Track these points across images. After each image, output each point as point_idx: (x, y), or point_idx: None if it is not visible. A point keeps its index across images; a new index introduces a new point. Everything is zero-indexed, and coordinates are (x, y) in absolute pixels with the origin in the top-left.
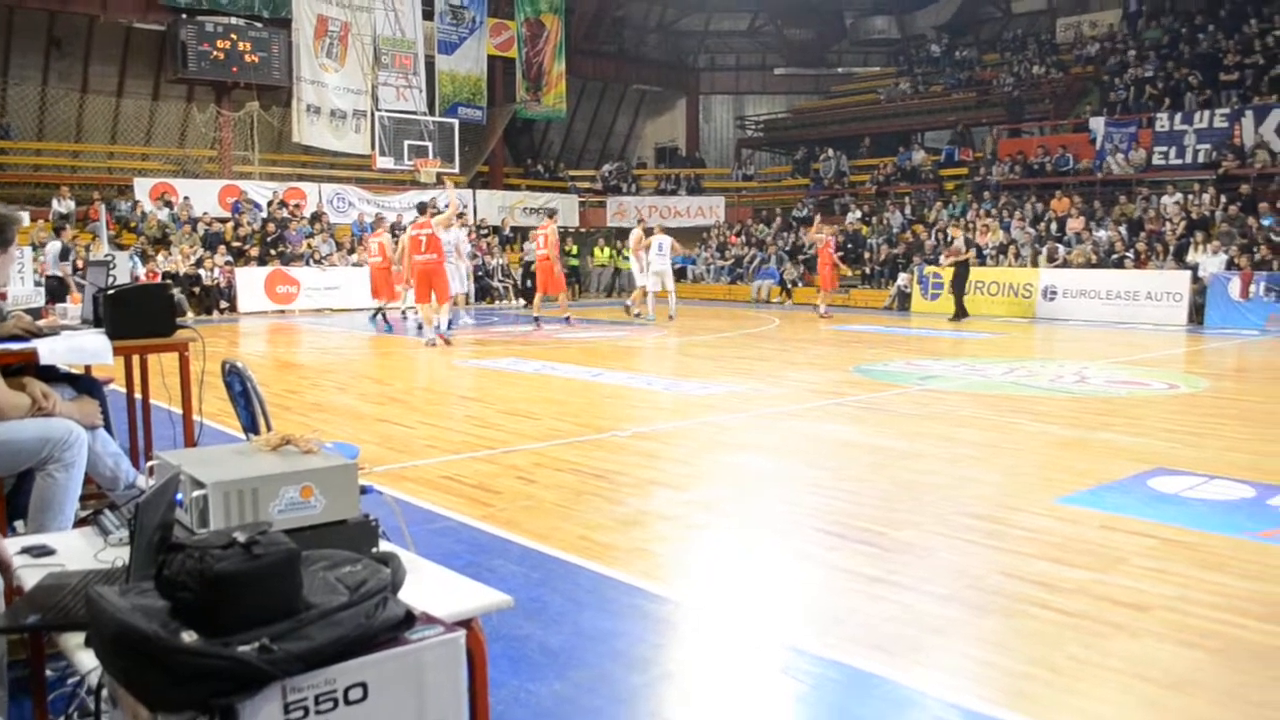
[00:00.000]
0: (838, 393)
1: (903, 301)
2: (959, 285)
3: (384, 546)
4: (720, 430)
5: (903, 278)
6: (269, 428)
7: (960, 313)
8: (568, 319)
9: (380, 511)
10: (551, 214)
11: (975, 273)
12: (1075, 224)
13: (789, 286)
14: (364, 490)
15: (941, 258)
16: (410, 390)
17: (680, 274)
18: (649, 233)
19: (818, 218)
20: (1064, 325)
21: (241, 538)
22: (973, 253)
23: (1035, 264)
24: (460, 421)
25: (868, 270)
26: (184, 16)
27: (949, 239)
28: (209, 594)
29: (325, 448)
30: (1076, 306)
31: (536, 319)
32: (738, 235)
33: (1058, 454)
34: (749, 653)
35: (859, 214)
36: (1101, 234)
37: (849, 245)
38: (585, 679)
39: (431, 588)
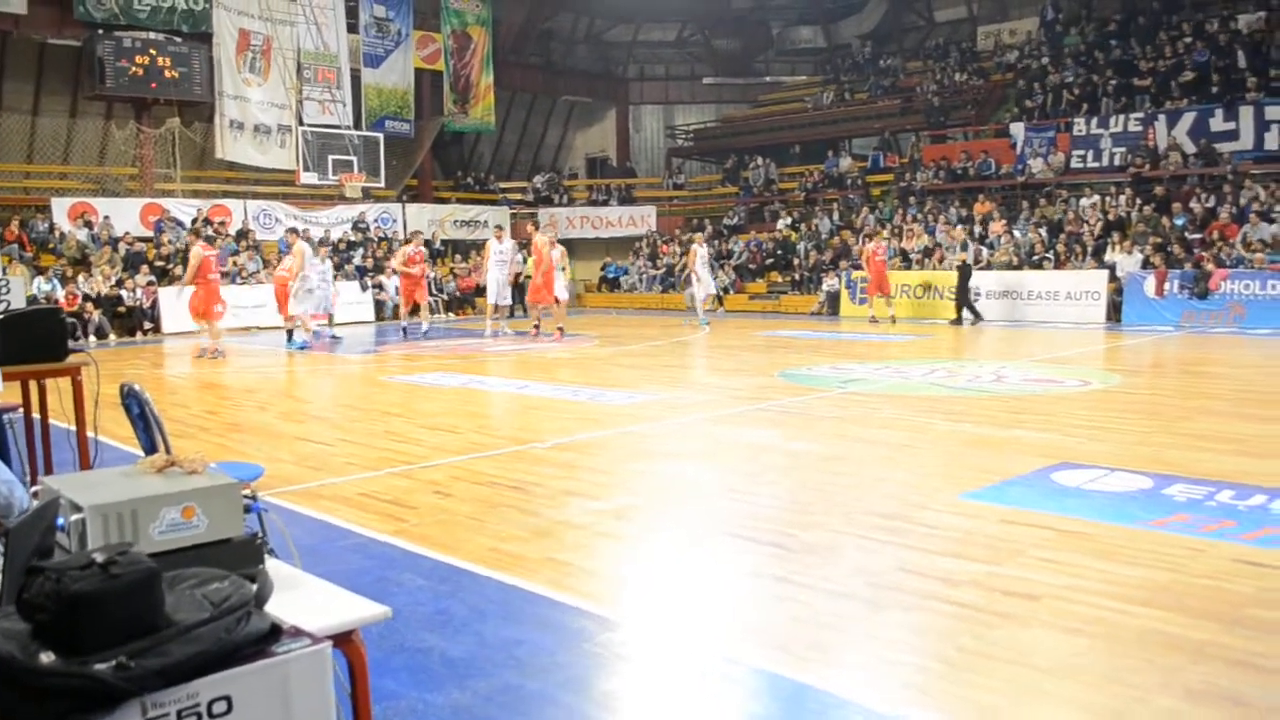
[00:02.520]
0: (761, 397)
1: (832, 305)
2: (962, 289)
3: (272, 563)
4: (641, 439)
5: (831, 282)
6: (168, 450)
7: (967, 318)
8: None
9: (276, 528)
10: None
11: (897, 276)
12: (998, 226)
13: (720, 294)
14: (249, 508)
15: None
16: (332, 407)
17: (612, 284)
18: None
19: (873, 225)
20: (987, 326)
21: (100, 558)
22: (968, 254)
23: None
24: (380, 437)
25: (796, 276)
26: (100, 32)
27: (864, 240)
28: (66, 614)
29: (213, 468)
30: (997, 306)
31: (537, 327)
32: (667, 244)
33: (967, 452)
34: (650, 658)
35: (788, 220)
36: (1021, 235)
37: (778, 252)
38: (485, 689)
39: (311, 602)
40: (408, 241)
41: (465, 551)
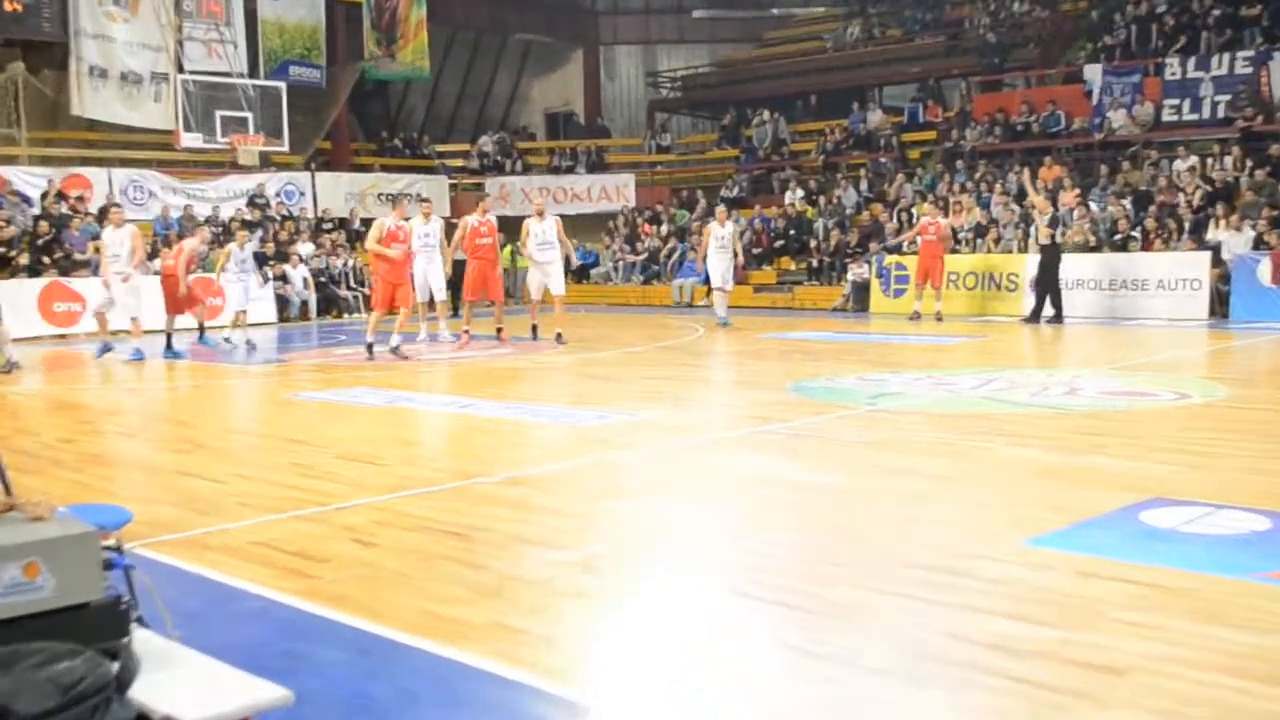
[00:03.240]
0: (766, 417)
1: (859, 299)
2: (1048, 277)
3: (140, 635)
4: (614, 470)
5: (858, 270)
6: (8, 490)
7: (1046, 316)
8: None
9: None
10: (482, 198)
11: (947, 261)
12: (1069, 197)
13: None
14: (110, 564)
15: (904, 242)
16: (223, 433)
17: (580, 273)
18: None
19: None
20: (1057, 324)
21: None
22: (1056, 231)
23: (1021, 249)
24: (285, 471)
25: (814, 262)
26: None
27: (914, 219)
28: None
29: (63, 513)
30: (1072, 299)
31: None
32: (651, 223)
33: (1032, 485)
34: None
35: (802, 192)
36: (1099, 207)
37: (791, 232)
38: None
39: (191, 684)
40: (396, 210)
41: (392, 616)
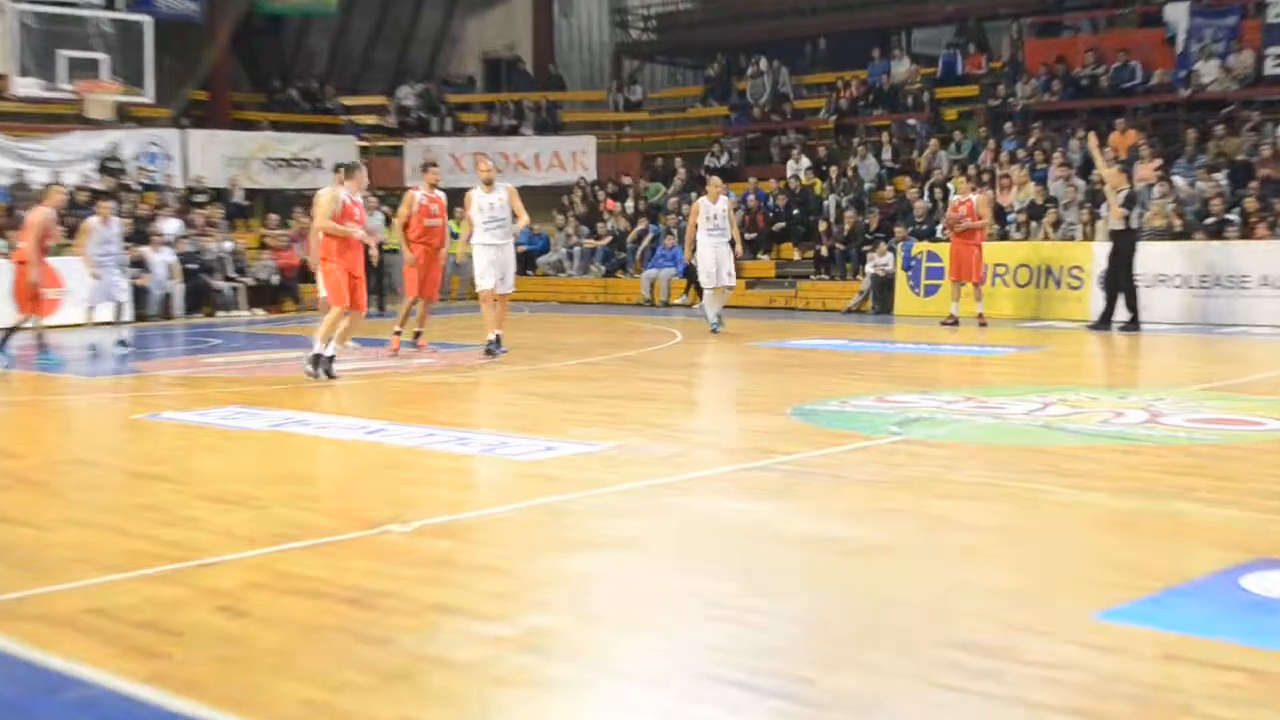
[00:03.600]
0: (761, 450)
1: (880, 298)
2: (1121, 271)
3: None
4: (564, 517)
5: (880, 260)
6: None
7: (1118, 321)
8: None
9: None
10: (429, 166)
11: (987, 250)
12: (1147, 170)
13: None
14: None
15: (940, 227)
16: (52, 465)
17: (525, 262)
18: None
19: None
20: (1131, 331)
21: None
22: (1130, 214)
23: (1087, 235)
24: (132, 516)
25: (823, 251)
26: None
27: (951, 195)
28: None
29: None
30: (1151, 300)
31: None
32: (616, 199)
33: (1101, 540)
34: None
35: (808, 162)
36: (1186, 183)
37: (794, 211)
38: None
39: None
40: (350, 180)
41: (266, 709)
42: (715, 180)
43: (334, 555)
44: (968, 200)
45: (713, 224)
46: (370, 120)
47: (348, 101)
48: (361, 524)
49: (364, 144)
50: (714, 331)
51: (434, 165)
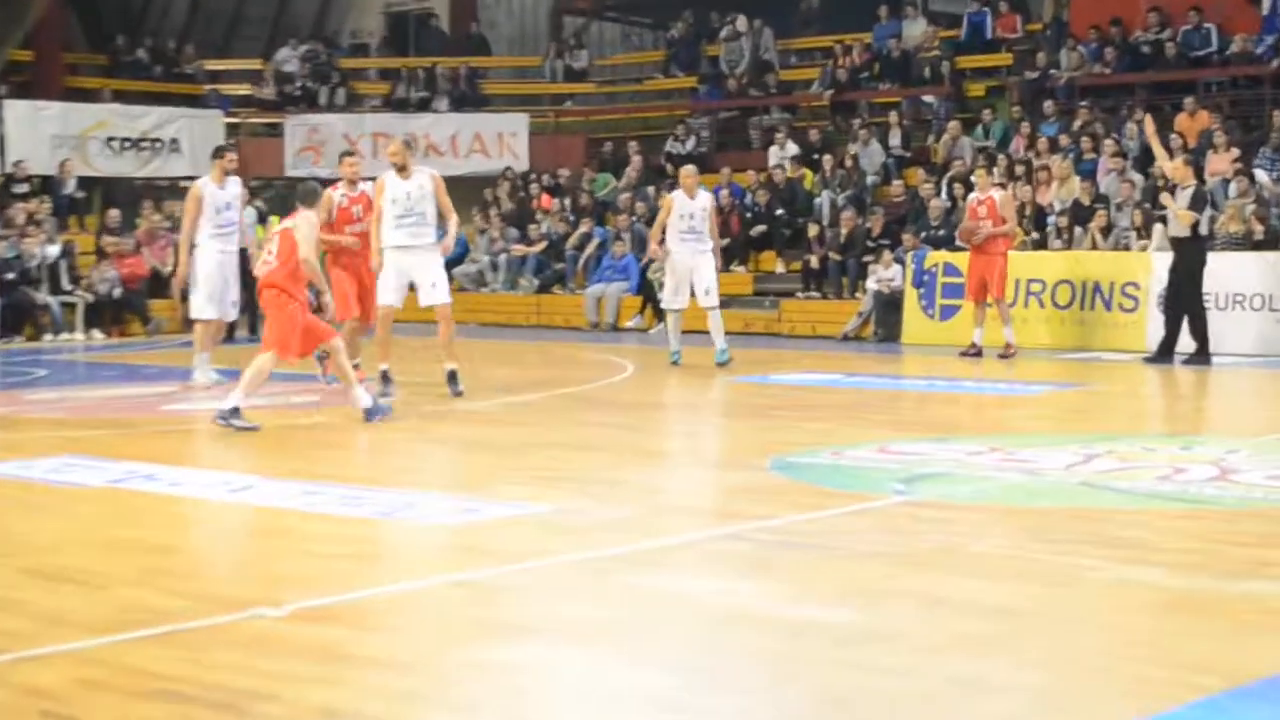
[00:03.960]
0: (733, 513)
1: (884, 321)
2: (1188, 289)
3: None
4: (488, 598)
5: (884, 274)
6: None
7: (1182, 352)
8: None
9: None
10: (345, 156)
11: (1019, 263)
12: (1222, 161)
13: (658, 297)
14: None
15: (959, 234)
16: None
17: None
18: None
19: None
20: (1200, 364)
21: None
22: (1199, 216)
23: (1144, 241)
24: None
25: (813, 261)
26: None
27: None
28: None
29: None
30: (1224, 326)
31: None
32: (554, 195)
33: (1153, 627)
34: None
35: (796, 148)
36: (1271, 179)
37: (778, 212)
38: None
39: None
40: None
41: None
42: (689, 170)
43: (192, 646)
44: (988, 198)
45: (688, 225)
46: (241, 89)
47: (213, 66)
48: (226, 605)
49: (232, 120)
50: (674, 364)
51: (351, 154)
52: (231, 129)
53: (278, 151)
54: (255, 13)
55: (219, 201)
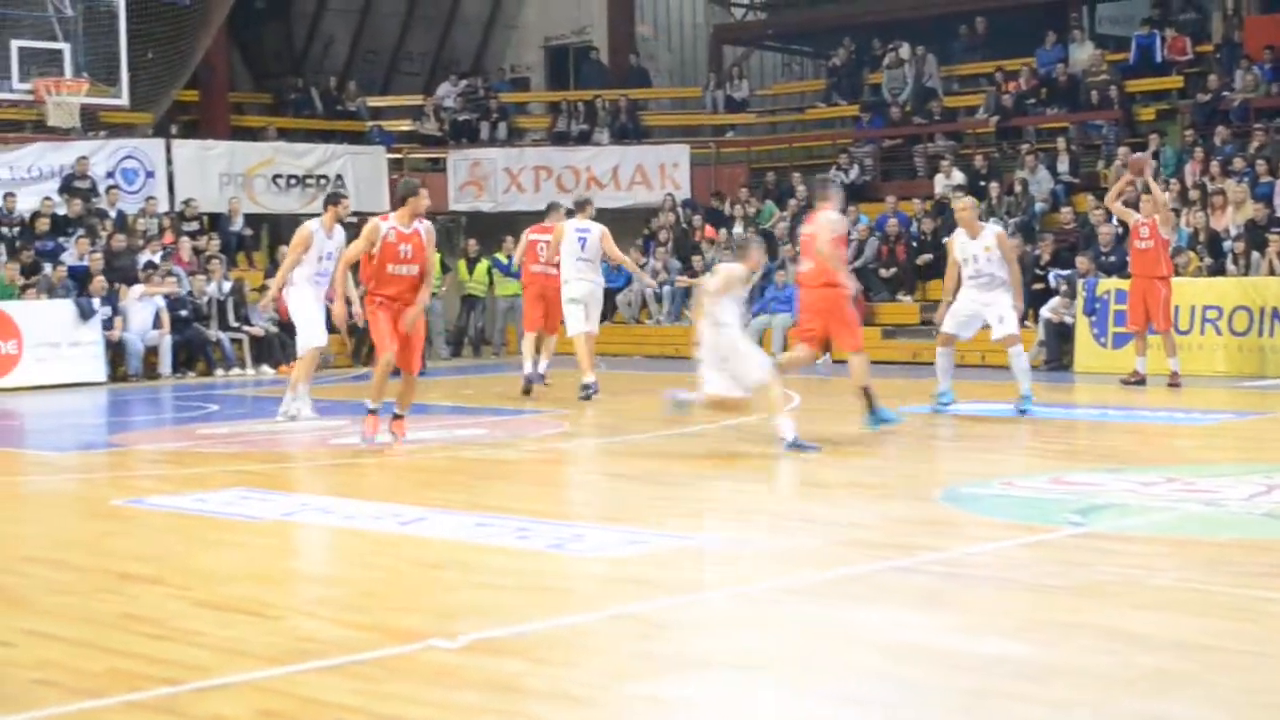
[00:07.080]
0: (905, 545)
1: (1054, 349)
2: None
3: None
4: (657, 629)
5: (1058, 304)
6: None
7: None
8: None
9: None
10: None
11: (1194, 289)
12: None
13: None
14: None
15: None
16: (14, 563)
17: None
18: (580, 208)
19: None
20: None
21: None
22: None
23: None
24: (112, 628)
25: None
26: None
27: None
28: None
29: None
30: None
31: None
32: (716, 226)
33: None
34: None
35: (962, 176)
36: None
37: (945, 239)
38: None
39: None
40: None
41: None
42: (968, 203)
43: (368, 677)
44: (1151, 220)
45: (973, 270)
46: (403, 126)
47: (375, 103)
48: (399, 637)
49: (395, 155)
50: (943, 406)
51: (418, 190)
52: (394, 164)
53: (441, 186)
54: (416, 49)
55: (323, 249)
